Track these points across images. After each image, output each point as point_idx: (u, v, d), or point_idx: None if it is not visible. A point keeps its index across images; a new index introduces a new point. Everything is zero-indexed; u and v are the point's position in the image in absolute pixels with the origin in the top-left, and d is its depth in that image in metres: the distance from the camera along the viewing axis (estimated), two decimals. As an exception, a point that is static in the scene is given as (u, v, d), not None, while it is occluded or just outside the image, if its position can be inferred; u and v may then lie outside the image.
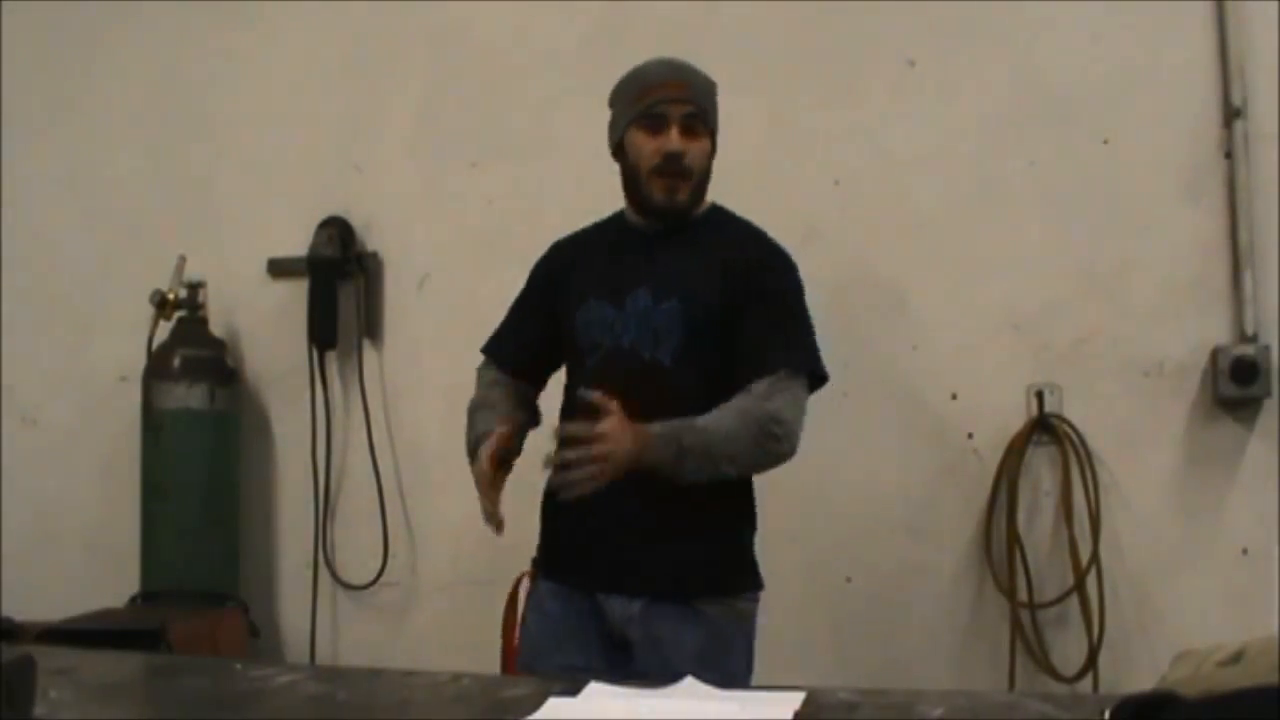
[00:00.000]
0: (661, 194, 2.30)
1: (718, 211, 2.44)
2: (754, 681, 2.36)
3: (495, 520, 2.24)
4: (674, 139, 2.27)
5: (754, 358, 2.24)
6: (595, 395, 2.14)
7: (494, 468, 2.25)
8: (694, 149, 2.29)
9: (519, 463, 2.88)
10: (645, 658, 2.20)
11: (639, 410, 2.14)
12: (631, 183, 2.35)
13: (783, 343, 2.27)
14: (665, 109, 2.28)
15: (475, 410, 2.44)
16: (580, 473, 2.08)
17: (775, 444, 2.21)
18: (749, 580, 2.33)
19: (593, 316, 2.34)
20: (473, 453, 2.33)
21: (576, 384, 2.35)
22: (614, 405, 2.12)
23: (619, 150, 2.36)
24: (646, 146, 2.29)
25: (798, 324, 2.32)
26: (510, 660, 2.46)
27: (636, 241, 2.38)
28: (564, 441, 2.11)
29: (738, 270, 2.29)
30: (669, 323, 2.27)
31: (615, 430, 2.09)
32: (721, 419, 2.19)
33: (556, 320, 2.43)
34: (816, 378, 2.32)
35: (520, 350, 2.49)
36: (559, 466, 2.11)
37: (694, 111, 2.30)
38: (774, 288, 2.31)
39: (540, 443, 2.35)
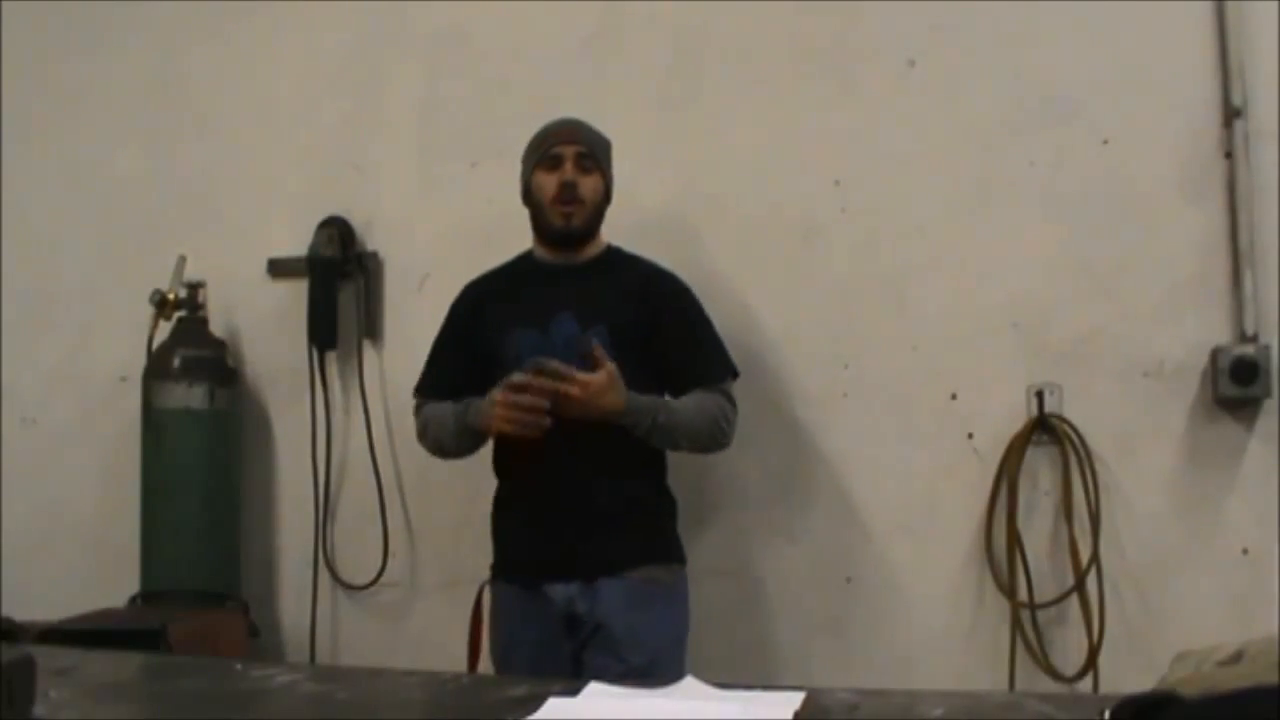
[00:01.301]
0: (560, 220, 2.72)
1: (617, 250, 2.82)
2: (755, 682, 2.38)
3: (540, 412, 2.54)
4: (569, 171, 2.71)
5: (694, 373, 2.71)
6: (597, 349, 2.55)
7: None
8: (586, 182, 2.72)
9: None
10: (588, 621, 2.62)
11: (569, 422, 2.52)
12: (536, 216, 2.77)
13: (712, 358, 2.76)
14: (561, 150, 2.73)
15: (443, 414, 2.77)
16: (533, 401, 2.51)
17: (722, 438, 2.72)
18: (669, 554, 2.74)
19: (521, 343, 2.68)
20: (475, 413, 2.66)
21: None
22: (610, 367, 2.54)
23: (527, 194, 2.77)
24: (547, 181, 2.73)
25: (715, 339, 2.79)
26: (474, 665, 2.77)
27: (552, 275, 2.77)
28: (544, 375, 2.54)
29: (652, 299, 2.74)
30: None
31: (602, 383, 2.53)
32: (689, 406, 2.67)
33: (474, 355, 2.77)
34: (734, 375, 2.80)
35: (452, 384, 2.80)
36: (521, 386, 2.52)
37: (585, 152, 2.74)
38: (688, 313, 2.78)
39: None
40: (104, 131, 3.66)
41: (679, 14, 3.24)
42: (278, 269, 3.50)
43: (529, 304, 2.74)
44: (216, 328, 3.46)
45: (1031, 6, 3.04)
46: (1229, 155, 2.91)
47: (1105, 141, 2.99)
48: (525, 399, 2.52)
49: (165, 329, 3.37)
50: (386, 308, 3.45)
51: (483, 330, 2.78)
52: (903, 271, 3.10)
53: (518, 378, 2.53)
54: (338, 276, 3.40)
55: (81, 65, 3.69)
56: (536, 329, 2.69)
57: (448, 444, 2.79)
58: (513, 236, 3.09)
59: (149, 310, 3.34)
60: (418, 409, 2.88)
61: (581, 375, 2.53)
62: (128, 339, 3.42)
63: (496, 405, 2.57)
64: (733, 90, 3.21)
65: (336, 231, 3.40)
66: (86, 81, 3.68)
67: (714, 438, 2.71)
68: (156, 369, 3.33)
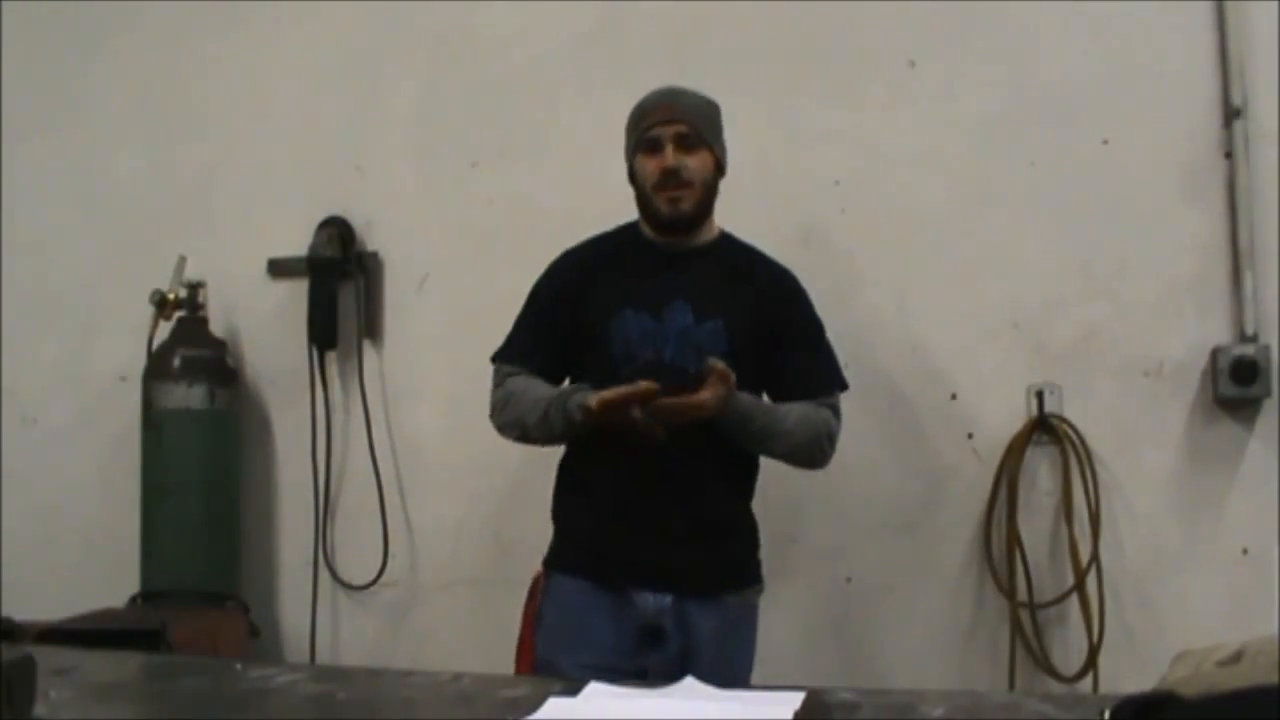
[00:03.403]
0: (666, 206, 2.50)
1: (731, 238, 2.63)
2: (754, 682, 2.40)
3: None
4: (669, 156, 2.48)
5: (803, 384, 2.54)
6: (717, 366, 2.32)
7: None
8: (690, 162, 2.49)
9: (521, 468, 2.89)
10: (676, 642, 2.43)
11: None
12: (642, 202, 2.55)
13: (825, 368, 2.59)
14: (658, 131, 2.49)
15: (535, 392, 2.48)
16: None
17: (821, 456, 2.55)
18: (757, 575, 2.59)
19: (631, 328, 2.47)
20: (565, 407, 2.40)
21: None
22: (729, 378, 2.33)
23: (632, 176, 2.56)
24: (648, 167, 2.50)
25: (827, 348, 2.62)
26: (526, 655, 2.58)
27: (662, 257, 2.55)
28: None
29: (772, 301, 2.56)
30: (712, 341, 2.45)
31: (723, 398, 2.33)
32: (792, 415, 2.49)
33: (570, 329, 2.53)
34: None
35: (540, 357, 2.55)
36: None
37: (685, 130, 2.49)
38: (806, 320, 2.60)
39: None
40: (104, 131, 3.66)
41: (679, 14, 3.24)
42: (278, 269, 3.50)
43: (639, 285, 2.50)
44: (216, 328, 3.46)
45: (1031, 6, 3.04)
46: (1229, 155, 2.91)
47: (1105, 141, 2.99)
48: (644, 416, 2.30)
49: (165, 329, 3.37)
50: (386, 308, 3.45)
51: (586, 305, 2.51)
52: (903, 271, 3.10)
53: (645, 401, 2.29)
54: (338, 276, 3.40)
55: (81, 65, 3.68)
56: (649, 314, 2.46)
57: (532, 428, 2.47)
58: (513, 236, 3.09)
59: (149, 310, 3.34)
60: (501, 379, 2.56)
61: (707, 393, 2.31)
62: (128, 339, 3.42)
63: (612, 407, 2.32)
64: (732, 90, 3.20)
65: (336, 231, 3.40)
66: (86, 81, 3.68)
67: (811, 454, 2.52)
68: (156, 369, 3.33)
